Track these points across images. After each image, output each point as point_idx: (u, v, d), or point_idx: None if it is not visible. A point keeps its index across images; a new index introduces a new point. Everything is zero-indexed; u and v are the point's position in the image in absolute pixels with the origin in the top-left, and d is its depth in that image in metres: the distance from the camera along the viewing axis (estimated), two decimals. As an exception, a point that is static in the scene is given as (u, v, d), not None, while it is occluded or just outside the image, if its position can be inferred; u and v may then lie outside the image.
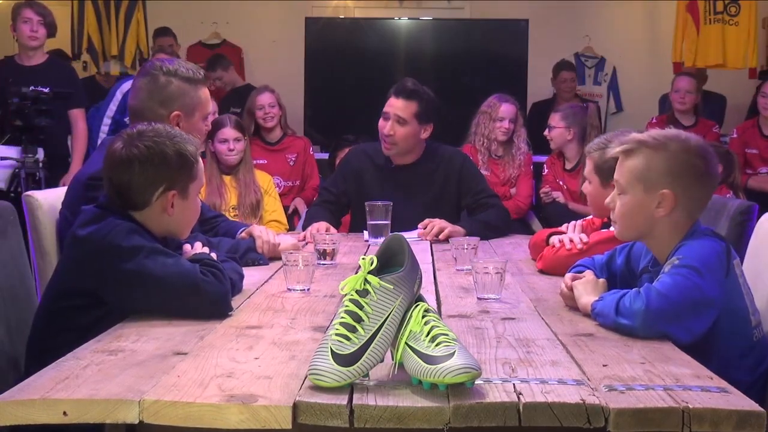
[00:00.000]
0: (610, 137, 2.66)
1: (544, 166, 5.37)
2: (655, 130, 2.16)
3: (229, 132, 4.37)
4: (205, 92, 2.72)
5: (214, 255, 2.21)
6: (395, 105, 3.60)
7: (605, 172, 2.62)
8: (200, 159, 2.22)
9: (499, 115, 5.12)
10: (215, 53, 7.01)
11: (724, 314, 1.97)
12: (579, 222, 2.93)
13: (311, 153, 5.38)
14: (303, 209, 4.97)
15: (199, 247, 2.24)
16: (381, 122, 3.63)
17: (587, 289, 2.12)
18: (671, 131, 2.15)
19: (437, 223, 3.36)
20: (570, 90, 6.60)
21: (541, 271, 2.70)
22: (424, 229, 3.36)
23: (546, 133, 5.21)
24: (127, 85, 5.60)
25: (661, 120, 5.88)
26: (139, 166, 2.08)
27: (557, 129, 5.12)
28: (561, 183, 5.21)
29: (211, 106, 2.76)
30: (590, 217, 2.97)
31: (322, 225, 3.38)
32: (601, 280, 2.18)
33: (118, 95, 5.44)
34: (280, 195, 4.94)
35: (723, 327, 1.98)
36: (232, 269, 2.26)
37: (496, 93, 5.28)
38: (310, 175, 5.32)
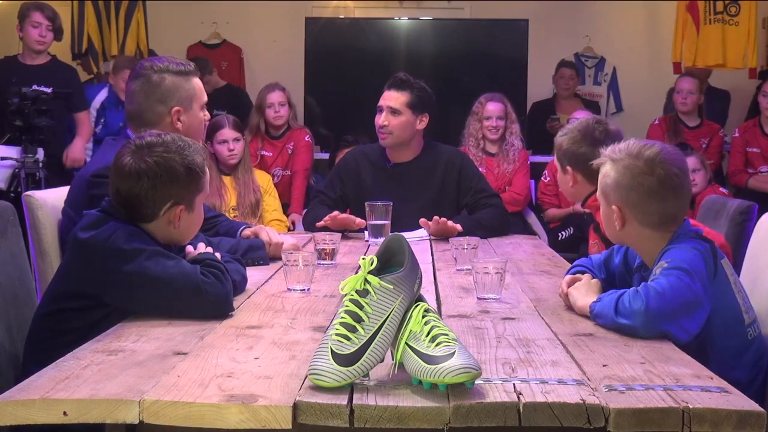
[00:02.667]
0: (580, 128, 2.83)
1: (545, 173, 5.30)
2: (626, 144, 2.19)
3: (228, 133, 4.38)
4: (198, 82, 2.75)
5: (218, 255, 2.22)
6: (387, 97, 3.64)
7: (564, 159, 2.85)
8: (207, 170, 2.22)
9: (485, 114, 5.16)
10: (195, 57, 6.96)
11: (715, 314, 1.97)
12: None
13: (307, 141, 5.39)
14: (299, 221, 4.99)
15: (202, 248, 2.24)
16: (376, 116, 3.65)
17: (582, 291, 2.13)
18: (638, 144, 2.16)
19: (443, 221, 3.38)
20: (568, 88, 6.59)
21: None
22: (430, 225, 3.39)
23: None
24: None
25: (663, 121, 5.88)
26: (148, 181, 2.07)
27: None
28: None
29: (205, 95, 2.79)
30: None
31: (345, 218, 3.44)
32: (595, 280, 2.19)
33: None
34: (279, 184, 4.95)
35: (716, 326, 1.99)
36: (236, 270, 2.26)
37: (489, 92, 5.29)
38: (297, 171, 5.32)
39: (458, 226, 3.36)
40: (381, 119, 3.62)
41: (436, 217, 3.38)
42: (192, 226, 2.21)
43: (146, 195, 2.08)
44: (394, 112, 3.60)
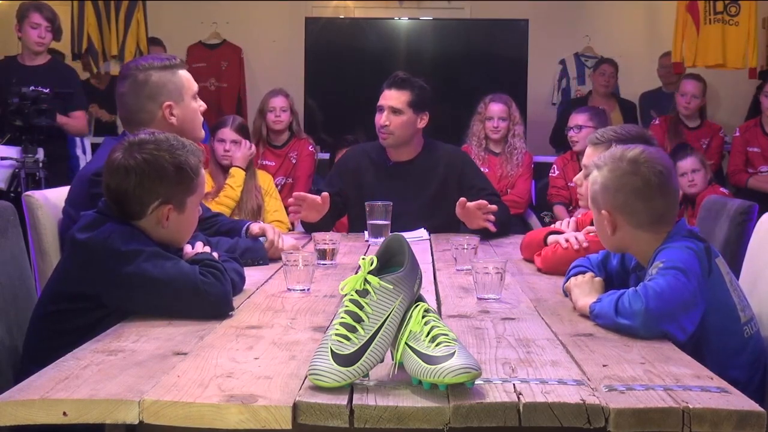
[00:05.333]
0: (618, 132, 2.69)
1: (554, 167, 5.29)
2: (609, 150, 2.20)
3: (227, 133, 4.37)
4: (184, 74, 2.74)
5: (215, 255, 2.21)
6: (388, 96, 3.62)
7: None
8: (202, 171, 2.20)
9: (488, 114, 5.17)
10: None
11: (710, 313, 1.98)
12: (573, 219, 2.95)
13: (311, 150, 5.35)
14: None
15: (200, 248, 2.24)
16: (377, 116, 3.64)
17: (584, 290, 2.14)
18: (620, 148, 2.18)
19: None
20: (607, 86, 6.53)
21: (540, 270, 2.70)
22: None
23: (572, 133, 5.11)
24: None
25: (664, 121, 5.88)
26: (136, 178, 2.07)
27: (587, 128, 5.01)
28: (573, 185, 5.13)
29: (195, 84, 2.77)
30: (580, 213, 2.99)
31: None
32: (598, 279, 2.20)
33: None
34: (281, 192, 4.94)
35: (712, 325, 1.99)
36: (234, 270, 2.26)
37: (495, 93, 5.29)
38: (299, 177, 5.27)
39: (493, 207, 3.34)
40: (382, 119, 3.61)
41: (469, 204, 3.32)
42: (183, 227, 2.18)
43: (134, 192, 2.08)
44: (395, 111, 3.59)
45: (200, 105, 2.77)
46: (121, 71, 2.77)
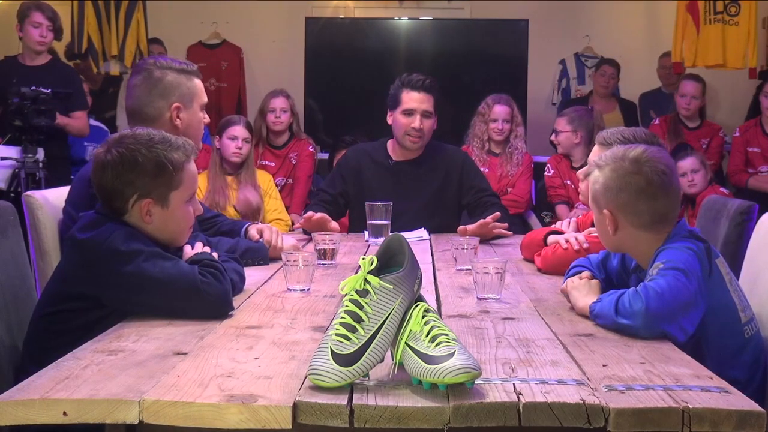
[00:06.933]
0: (626, 136, 2.65)
1: (548, 166, 5.31)
2: (610, 150, 2.20)
3: (239, 130, 4.42)
4: (199, 83, 2.77)
5: (215, 255, 2.21)
6: (421, 99, 3.62)
7: None
8: (190, 167, 2.16)
9: (492, 116, 5.16)
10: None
11: (711, 313, 1.98)
12: (573, 219, 2.95)
13: (311, 151, 5.33)
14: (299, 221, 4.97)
15: (199, 247, 2.24)
16: (404, 119, 3.61)
17: (582, 291, 2.13)
18: (622, 147, 2.18)
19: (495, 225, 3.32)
20: (608, 87, 6.52)
21: (540, 270, 2.70)
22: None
23: (552, 137, 5.19)
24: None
25: (664, 121, 5.88)
26: (111, 172, 2.08)
27: (564, 133, 5.09)
28: (569, 183, 5.17)
29: (206, 97, 2.79)
30: (580, 211, 2.99)
31: (324, 217, 3.38)
32: (595, 281, 2.19)
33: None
34: (281, 192, 4.95)
35: (712, 325, 1.99)
36: (233, 270, 2.26)
37: (495, 93, 5.29)
38: (299, 178, 5.25)
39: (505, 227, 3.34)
40: (417, 123, 3.59)
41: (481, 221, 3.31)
42: (171, 224, 2.15)
43: (111, 186, 2.09)
44: (426, 114, 3.61)
45: (205, 117, 2.79)
46: (139, 64, 2.81)
